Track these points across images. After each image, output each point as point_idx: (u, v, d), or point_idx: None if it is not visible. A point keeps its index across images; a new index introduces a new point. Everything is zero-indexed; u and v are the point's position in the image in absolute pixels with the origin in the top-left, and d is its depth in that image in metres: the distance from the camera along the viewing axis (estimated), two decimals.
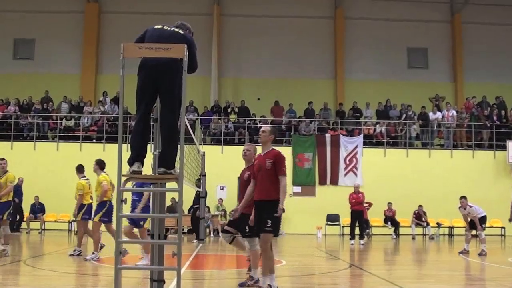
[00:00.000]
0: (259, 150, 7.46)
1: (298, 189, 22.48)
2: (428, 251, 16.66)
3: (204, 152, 17.39)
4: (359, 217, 17.38)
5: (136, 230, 10.69)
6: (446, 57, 27.82)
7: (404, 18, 27.46)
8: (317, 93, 26.15)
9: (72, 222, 19.78)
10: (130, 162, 5.46)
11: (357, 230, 17.43)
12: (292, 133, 23.30)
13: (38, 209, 20.96)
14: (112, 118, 23.12)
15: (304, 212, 21.78)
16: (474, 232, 14.54)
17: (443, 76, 27.75)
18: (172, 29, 5.72)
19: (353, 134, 23.69)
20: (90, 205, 11.74)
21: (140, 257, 10.51)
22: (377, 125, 24.02)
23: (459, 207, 14.43)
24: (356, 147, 22.89)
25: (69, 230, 20.72)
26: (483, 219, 14.36)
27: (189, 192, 16.66)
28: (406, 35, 27.48)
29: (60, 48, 26.62)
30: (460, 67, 27.41)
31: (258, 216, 7.07)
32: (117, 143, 5.42)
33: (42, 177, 20.95)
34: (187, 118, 11.18)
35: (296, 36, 27.01)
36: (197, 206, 17.53)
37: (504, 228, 21.65)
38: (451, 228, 22.05)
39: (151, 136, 5.79)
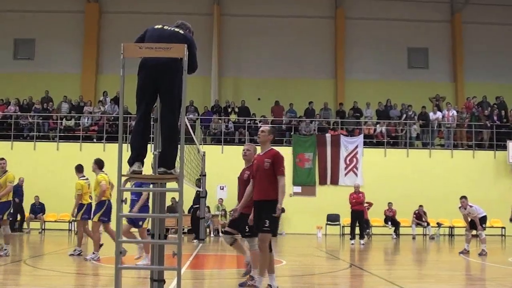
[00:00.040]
0: (259, 150, 7.46)
1: (298, 189, 22.48)
2: (428, 251, 16.66)
3: (204, 152, 17.40)
4: (359, 217, 17.38)
5: (134, 229, 10.69)
6: (447, 57, 27.81)
7: (405, 18, 27.46)
8: (318, 93, 26.15)
9: (72, 222, 19.77)
10: (130, 162, 5.46)
11: (357, 230, 17.44)
12: (292, 133, 23.29)
13: (38, 209, 20.96)
14: (112, 118, 23.12)
15: (305, 212, 21.78)
16: (474, 232, 14.54)
17: (444, 76, 27.74)
18: (172, 29, 5.72)
19: (353, 134, 23.68)
20: (90, 204, 11.74)
21: (136, 257, 10.50)
22: (378, 125, 24.01)
23: (460, 207, 14.43)
24: (356, 147, 22.88)
25: (69, 230, 20.71)
26: (483, 219, 14.36)
27: (189, 192, 16.67)
28: (406, 35, 27.48)
29: (60, 48, 26.63)
30: (460, 67, 27.41)
31: (257, 216, 7.07)
32: (117, 143, 5.42)
33: (42, 177, 20.95)
34: (187, 118, 11.19)
35: (296, 36, 27.01)
36: (197, 206, 17.53)
37: (504, 228, 21.65)
38: (452, 228, 22.04)
39: (151, 136, 5.79)
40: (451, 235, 22.13)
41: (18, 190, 19.45)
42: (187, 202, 17.69)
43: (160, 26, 5.71)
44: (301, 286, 8.67)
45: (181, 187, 5.30)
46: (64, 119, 23.36)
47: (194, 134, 12.73)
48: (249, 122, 23.51)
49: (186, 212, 18.43)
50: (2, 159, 11.42)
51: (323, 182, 22.66)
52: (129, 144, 5.79)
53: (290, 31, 27.03)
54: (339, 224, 21.85)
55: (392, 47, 27.39)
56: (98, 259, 10.92)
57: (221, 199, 21.22)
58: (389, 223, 21.36)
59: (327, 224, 21.84)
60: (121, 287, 5.25)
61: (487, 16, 27.43)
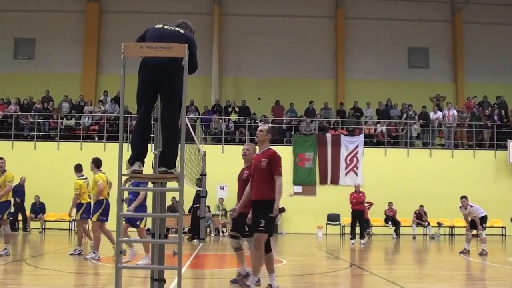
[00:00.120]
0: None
1: (298, 188, 22.49)
2: (428, 250, 16.66)
3: (204, 152, 17.40)
4: (359, 216, 17.38)
5: (131, 229, 10.69)
6: (447, 57, 27.81)
7: (405, 18, 27.46)
8: (318, 92, 26.15)
9: (73, 222, 19.78)
10: (131, 162, 5.47)
11: (357, 230, 17.43)
12: (292, 133, 23.29)
13: (38, 208, 20.97)
14: (113, 117, 23.13)
15: (305, 212, 21.79)
16: (474, 231, 14.54)
17: (444, 75, 27.74)
18: (173, 28, 5.71)
19: (353, 134, 23.68)
20: (89, 204, 11.73)
21: (126, 260, 10.45)
22: (378, 125, 24.01)
23: (460, 207, 14.43)
24: (356, 146, 22.88)
25: (70, 230, 20.72)
26: (483, 219, 14.36)
27: (190, 192, 16.67)
28: (406, 35, 27.47)
29: (60, 47, 26.63)
30: (461, 67, 27.40)
31: (254, 216, 7.07)
32: (117, 142, 5.42)
33: (43, 177, 20.95)
34: (187, 117, 11.18)
35: (297, 35, 27.00)
36: (197, 205, 17.54)
37: (504, 228, 21.65)
38: (452, 227, 22.06)
39: (152, 135, 5.79)
40: (451, 234, 22.14)
41: (19, 190, 19.47)
42: (188, 202, 17.69)
43: (160, 26, 5.70)
44: (301, 285, 8.67)
45: (182, 186, 5.30)
46: (64, 118, 23.37)
47: (195, 134, 12.74)
48: (249, 121, 23.51)
49: (186, 212, 18.43)
50: (1, 158, 11.39)
51: (323, 181, 22.66)
52: (129, 144, 5.79)
53: (291, 31, 27.03)
54: (339, 224, 21.85)
55: (392, 47, 27.39)
56: (99, 259, 10.92)
57: (221, 198, 21.23)
58: (390, 222, 21.36)
59: (327, 223, 21.84)
60: (121, 286, 5.25)
61: (487, 16, 27.43)
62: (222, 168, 20.34)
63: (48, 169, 21.28)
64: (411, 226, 21.39)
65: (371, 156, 22.84)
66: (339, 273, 10.20)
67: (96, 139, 22.87)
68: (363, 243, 17.01)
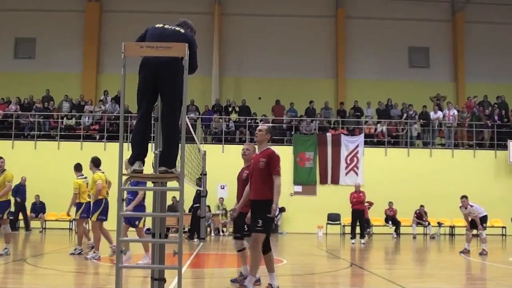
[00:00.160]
0: None
1: (299, 188, 22.49)
2: (429, 250, 16.66)
3: (205, 151, 17.40)
4: (360, 216, 17.38)
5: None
6: (447, 57, 27.80)
7: (405, 17, 27.44)
8: (318, 92, 26.14)
9: (73, 221, 19.78)
10: (131, 161, 5.46)
11: (358, 230, 17.43)
12: (293, 132, 23.29)
13: (39, 208, 20.97)
14: (113, 117, 23.13)
15: (305, 211, 21.78)
16: (475, 231, 14.54)
17: (444, 75, 27.73)
18: (173, 28, 5.71)
19: (354, 134, 23.68)
20: (88, 203, 11.73)
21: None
22: (378, 125, 24.00)
23: (460, 207, 14.43)
24: (357, 146, 22.88)
25: (70, 229, 20.72)
26: (484, 219, 14.36)
27: (190, 191, 16.68)
28: (407, 35, 27.46)
29: (61, 47, 26.61)
30: (461, 67, 27.39)
31: (252, 216, 7.07)
32: (118, 142, 5.42)
33: (43, 176, 20.93)
34: (188, 117, 11.17)
35: (297, 35, 27.00)
36: (198, 205, 17.54)
37: (505, 227, 21.66)
38: (452, 227, 22.06)
39: (152, 135, 5.79)
40: (451, 234, 22.14)
41: (20, 189, 19.47)
42: (188, 202, 17.70)
43: (161, 25, 5.70)
44: (301, 285, 8.67)
45: (182, 186, 5.31)
46: (65, 118, 23.37)
47: (195, 133, 12.74)
48: (249, 121, 23.51)
49: (186, 211, 18.43)
50: (1, 158, 11.37)
51: (323, 181, 22.66)
52: (130, 143, 5.79)
53: (291, 30, 27.02)
54: (339, 224, 21.85)
55: (393, 47, 27.38)
56: (99, 258, 10.93)
57: (221, 198, 21.23)
58: (390, 222, 21.35)
59: (327, 223, 21.84)
60: (121, 286, 5.25)
61: (488, 15, 27.42)
62: (222, 168, 20.32)
63: (49, 168, 21.27)
64: (411, 226, 21.38)
65: (371, 155, 22.83)
66: (340, 273, 10.20)
67: (98, 137, 22.85)
68: (363, 243, 17.01)
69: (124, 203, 5.43)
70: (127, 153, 5.42)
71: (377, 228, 21.39)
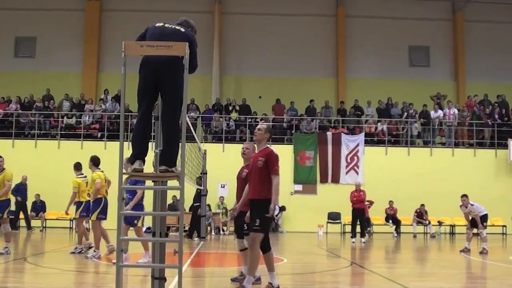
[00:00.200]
0: None
1: (299, 187, 22.49)
2: (429, 249, 16.66)
3: (205, 150, 17.40)
4: (360, 215, 17.39)
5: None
6: (448, 56, 27.79)
7: (406, 16, 27.43)
8: (319, 91, 26.15)
9: (73, 220, 19.79)
10: (132, 160, 5.46)
11: (358, 228, 17.43)
12: (293, 131, 23.28)
13: (39, 207, 20.98)
14: (114, 116, 23.13)
15: (305, 210, 21.78)
16: (475, 230, 14.54)
17: (445, 74, 27.73)
18: (173, 27, 5.70)
19: (354, 132, 23.68)
20: (88, 202, 11.74)
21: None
22: (379, 124, 24.00)
23: (461, 206, 14.43)
24: (357, 145, 22.88)
25: (70, 228, 20.73)
26: (484, 218, 14.36)
27: (190, 190, 16.69)
28: (407, 33, 27.46)
29: (61, 46, 26.61)
30: (461, 65, 27.38)
31: (250, 215, 7.06)
32: (118, 141, 5.42)
33: (43, 175, 20.93)
34: (188, 116, 11.18)
35: (297, 34, 26.99)
36: (198, 204, 17.54)
37: (505, 226, 21.68)
38: (452, 226, 22.06)
39: (153, 134, 5.79)
40: (452, 233, 22.14)
41: (21, 188, 19.47)
42: (188, 201, 17.69)
43: (161, 24, 5.69)
44: (302, 284, 8.67)
45: (182, 185, 5.30)
46: (65, 117, 23.38)
47: (195, 132, 12.74)
48: (250, 120, 23.51)
49: (187, 210, 18.43)
50: (0, 157, 11.37)
51: (324, 180, 22.66)
52: (130, 142, 5.79)
53: (291, 29, 27.02)
54: (340, 222, 21.85)
55: (393, 46, 27.38)
56: (99, 257, 10.93)
57: (222, 197, 21.23)
58: (390, 221, 21.35)
59: (328, 222, 21.84)
60: (122, 285, 5.25)
61: (488, 14, 27.40)
62: (222, 167, 20.31)
63: (49, 167, 21.26)
64: (411, 225, 21.39)
65: (371, 154, 22.83)
66: (340, 272, 10.20)
67: (99, 136, 22.84)
68: (364, 242, 17.02)
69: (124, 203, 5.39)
70: (128, 152, 5.42)
71: (378, 227, 21.40)
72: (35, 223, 20.78)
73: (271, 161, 6.92)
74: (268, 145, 7.26)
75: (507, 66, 26.95)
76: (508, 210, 21.22)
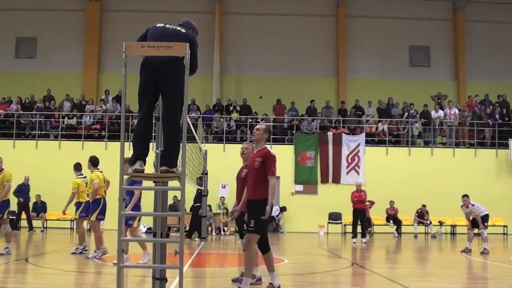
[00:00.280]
0: None
1: (300, 187, 22.47)
2: (430, 249, 16.65)
3: (206, 151, 17.40)
4: (361, 215, 17.37)
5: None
6: (448, 56, 27.77)
7: (406, 16, 27.42)
8: (319, 91, 26.13)
9: (74, 221, 19.79)
10: (132, 161, 5.46)
11: (359, 229, 17.42)
12: (294, 132, 23.27)
13: (40, 207, 20.98)
14: (114, 116, 23.14)
15: (306, 211, 21.76)
16: (476, 230, 14.52)
17: (445, 74, 27.72)
18: (174, 27, 5.70)
19: (355, 133, 23.68)
20: (88, 202, 11.74)
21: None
22: (379, 124, 23.99)
23: (461, 206, 14.43)
24: (358, 145, 22.87)
25: (71, 229, 20.73)
26: (485, 218, 14.36)
27: (191, 191, 16.68)
28: (408, 33, 27.44)
29: (62, 46, 26.61)
30: (462, 65, 27.37)
31: (247, 215, 7.06)
32: (119, 141, 5.42)
33: (44, 176, 20.92)
34: (189, 116, 11.17)
35: (298, 34, 26.98)
36: (198, 204, 17.52)
37: (506, 226, 21.67)
38: (453, 226, 22.05)
39: (154, 134, 5.79)
40: (453, 233, 22.12)
41: (23, 189, 19.48)
42: (189, 201, 17.69)
43: (162, 25, 5.69)
44: (303, 284, 8.67)
45: (183, 185, 5.30)
46: (66, 117, 23.37)
47: (196, 133, 12.74)
48: (250, 120, 23.50)
49: (188, 211, 18.42)
50: None
51: (325, 180, 22.64)
52: (131, 143, 5.79)
53: (292, 29, 27.01)
54: (341, 223, 21.83)
55: (393, 46, 27.36)
56: (100, 258, 10.92)
57: (222, 197, 21.22)
58: (391, 221, 21.34)
59: (329, 222, 21.82)
60: (123, 285, 5.25)
61: (489, 14, 27.39)
62: (223, 167, 20.28)
63: (50, 168, 21.26)
64: (412, 225, 21.38)
65: (372, 154, 22.81)
66: (341, 272, 10.20)
67: (102, 134, 22.82)
68: (365, 242, 17.00)
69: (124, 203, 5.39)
70: (128, 152, 5.42)
71: (378, 227, 21.39)
72: (35, 223, 20.77)
73: (268, 161, 6.88)
74: (268, 146, 7.24)
75: (507, 66, 26.93)
76: (509, 210, 21.23)
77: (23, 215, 19.96)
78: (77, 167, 12.15)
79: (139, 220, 10.80)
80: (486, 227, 14.27)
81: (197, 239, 17.23)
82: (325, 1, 27.71)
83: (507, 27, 27.46)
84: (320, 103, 24.79)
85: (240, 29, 27.15)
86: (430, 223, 21.48)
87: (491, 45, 27.27)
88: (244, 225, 7.56)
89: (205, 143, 21.98)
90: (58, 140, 22.45)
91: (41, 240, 17.50)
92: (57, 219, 21.09)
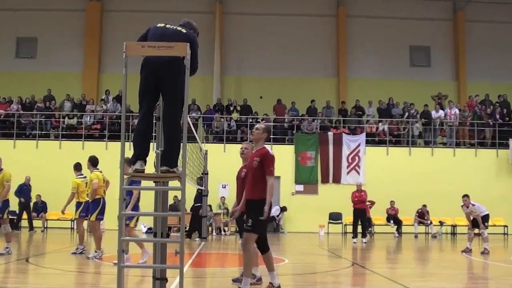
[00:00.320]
0: None
1: (300, 187, 22.47)
2: (430, 249, 16.65)
3: (206, 151, 17.39)
4: (361, 215, 17.37)
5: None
6: (449, 55, 27.77)
7: (406, 16, 27.41)
8: (320, 91, 26.14)
9: (74, 221, 19.79)
10: (133, 161, 5.46)
11: (359, 229, 17.42)
12: (294, 132, 23.27)
13: (40, 207, 20.98)
14: (115, 116, 23.14)
15: (307, 210, 21.76)
16: (476, 230, 14.52)
17: (446, 74, 27.71)
18: (174, 27, 5.71)
19: (355, 133, 23.67)
20: (87, 202, 11.74)
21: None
22: (380, 124, 23.99)
23: (462, 206, 14.43)
24: (358, 145, 22.86)
25: (72, 229, 20.72)
26: (485, 218, 14.36)
27: (192, 191, 16.68)
28: (408, 33, 27.44)
29: (62, 46, 26.62)
30: (462, 65, 27.36)
31: (246, 215, 7.06)
32: (119, 141, 5.42)
33: (45, 176, 20.92)
34: (189, 116, 11.16)
35: (298, 34, 26.99)
36: (198, 204, 17.52)
37: (506, 226, 21.66)
38: (454, 226, 22.04)
39: (154, 134, 5.79)
40: (453, 233, 22.12)
41: (24, 189, 19.48)
42: (189, 201, 17.69)
43: (162, 25, 5.70)
44: (303, 284, 8.67)
45: (184, 185, 5.30)
46: (66, 117, 23.38)
47: (196, 133, 12.74)
48: (251, 120, 23.50)
49: (188, 211, 18.42)
50: None
51: (325, 180, 22.64)
52: (131, 143, 5.79)
53: (292, 29, 27.01)
54: (341, 223, 21.83)
55: (394, 46, 27.36)
56: (100, 258, 10.92)
57: (223, 197, 21.22)
58: (391, 221, 21.34)
59: (329, 222, 21.82)
60: (123, 285, 5.25)
61: (489, 14, 27.38)
62: (223, 167, 20.24)
63: (50, 168, 21.25)
64: (413, 225, 21.38)
65: (373, 154, 22.81)
66: (341, 272, 10.20)
67: (98, 138, 22.82)
68: (365, 242, 17.00)
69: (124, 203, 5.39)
70: (129, 152, 5.42)
71: (379, 227, 21.39)
72: (36, 223, 20.78)
73: (267, 161, 6.87)
74: (268, 146, 7.23)
75: (508, 66, 26.93)
76: (509, 210, 21.22)
77: (24, 215, 19.98)
78: (77, 167, 12.16)
79: (137, 220, 10.81)
80: (486, 227, 14.27)
81: (197, 239, 17.23)
82: (325, 1, 27.72)
83: (507, 27, 27.45)
84: (320, 103, 24.79)
85: (240, 29, 27.16)
86: (431, 223, 21.48)
87: (491, 45, 27.27)
88: (244, 224, 7.58)
89: (206, 143, 21.98)
90: (58, 140, 22.46)
91: (41, 240, 17.50)
92: (58, 219, 21.09)
